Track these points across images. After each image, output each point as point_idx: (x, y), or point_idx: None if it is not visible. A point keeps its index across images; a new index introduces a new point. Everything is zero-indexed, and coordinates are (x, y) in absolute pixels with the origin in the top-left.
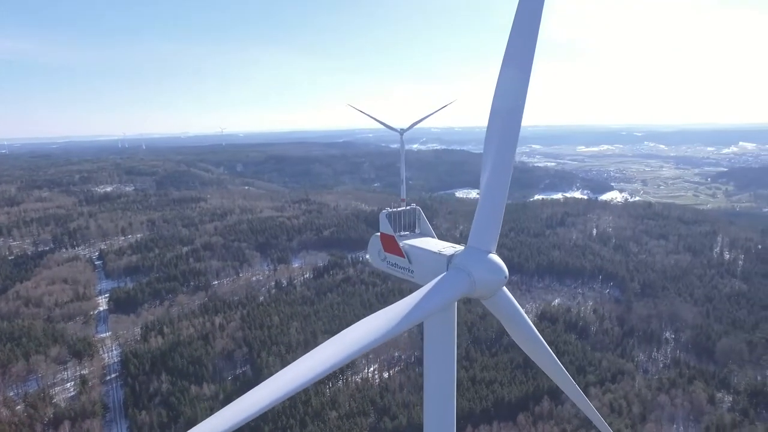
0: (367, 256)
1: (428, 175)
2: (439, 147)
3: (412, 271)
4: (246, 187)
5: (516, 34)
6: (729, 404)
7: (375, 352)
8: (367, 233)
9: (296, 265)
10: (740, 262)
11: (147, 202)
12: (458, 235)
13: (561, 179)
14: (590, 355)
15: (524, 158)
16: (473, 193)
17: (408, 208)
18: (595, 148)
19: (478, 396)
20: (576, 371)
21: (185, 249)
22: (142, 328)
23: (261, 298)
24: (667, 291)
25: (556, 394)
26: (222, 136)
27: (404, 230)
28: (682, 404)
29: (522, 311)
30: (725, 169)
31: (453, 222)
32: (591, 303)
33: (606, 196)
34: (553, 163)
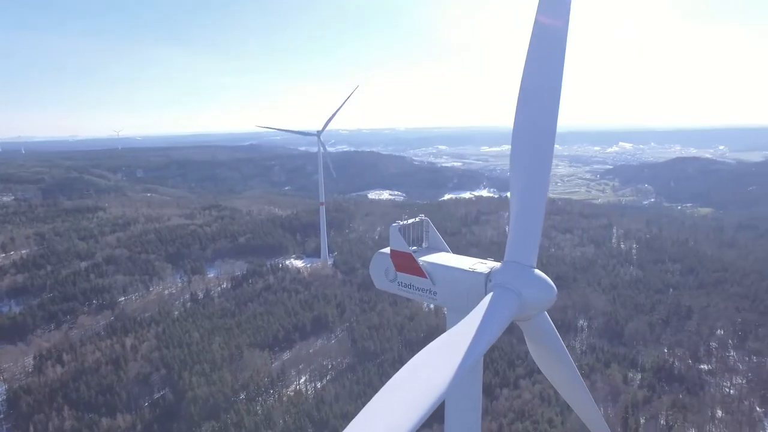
0: (374, 279)
1: (339, 177)
2: (348, 149)
3: (435, 293)
4: (148, 194)
5: (540, 32)
6: (639, 382)
7: (305, 362)
8: (284, 238)
9: (212, 275)
10: (634, 251)
11: (33, 213)
12: (377, 237)
13: (468, 178)
14: (517, 348)
15: (431, 159)
16: (385, 194)
17: (416, 220)
18: (498, 148)
19: None
20: (507, 365)
21: (84, 264)
22: (34, 358)
23: (176, 314)
24: (578, 282)
25: (489, 390)
26: (118, 140)
27: (412, 245)
28: (602, 387)
29: (558, 335)
30: (611, 167)
31: (371, 224)
32: None
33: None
34: (459, 163)
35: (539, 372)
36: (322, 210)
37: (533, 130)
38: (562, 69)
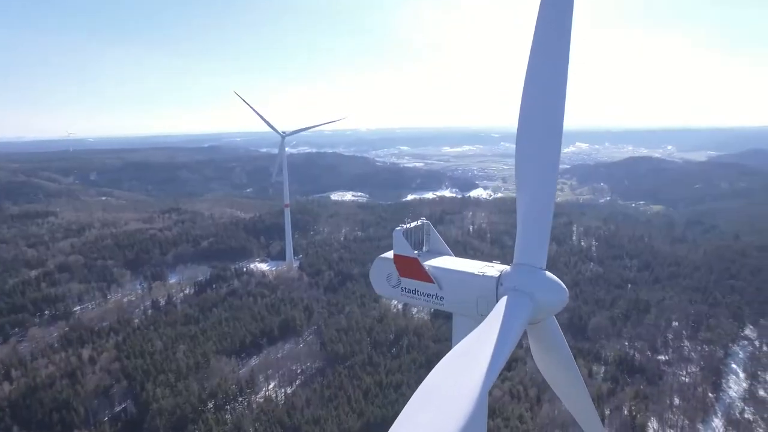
0: (374, 285)
1: (302, 179)
2: (310, 150)
3: (442, 298)
4: (104, 198)
5: (543, 31)
6: (603, 375)
7: (274, 368)
8: (248, 242)
9: (174, 280)
10: (594, 248)
11: None
12: (342, 239)
13: (431, 179)
14: None
15: (394, 159)
16: (348, 195)
17: (418, 223)
18: (459, 149)
19: (388, 401)
20: None
21: (34, 273)
22: None
23: (137, 322)
24: None
25: None
26: (69, 141)
27: (413, 249)
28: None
29: (565, 339)
30: (568, 166)
31: (336, 225)
32: None
33: (473, 193)
34: (421, 164)
35: (507, 369)
36: (287, 212)
37: (538, 131)
38: (567, 68)
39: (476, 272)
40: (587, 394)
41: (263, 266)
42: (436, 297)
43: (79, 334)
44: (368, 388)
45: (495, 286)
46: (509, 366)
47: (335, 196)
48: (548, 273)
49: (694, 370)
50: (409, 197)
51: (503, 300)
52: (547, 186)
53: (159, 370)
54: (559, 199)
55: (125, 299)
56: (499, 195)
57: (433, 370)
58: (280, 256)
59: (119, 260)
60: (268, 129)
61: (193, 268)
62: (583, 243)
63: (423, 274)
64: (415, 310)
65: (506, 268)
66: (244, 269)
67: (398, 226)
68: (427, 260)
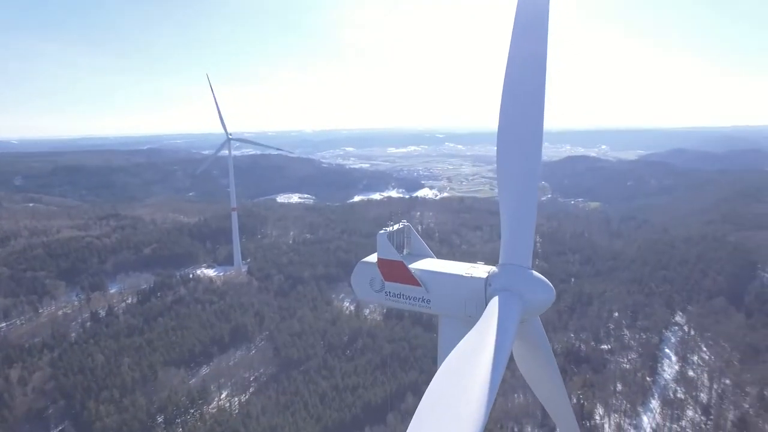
0: (356, 291)
1: (247, 181)
2: (255, 152)
3: (428, 300)
4: (31, 204)
5: (521, 33)
6: None
7: (226, 376)
8: (194, 247)
9: (115, 290)
10: (539, 244)
11: None
12: (291, 242)
13: (377, 179)
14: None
15: (340, 160)
16: (295, 197)
17: (400, 226)
18: (404, 149)
19: (345, 404)
20: (431, 362)
21: None
22: None
23: (74, 336)
24: None
25: (416, 388)
26: None
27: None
28: (519, 375)
29: (547, 339)
30: None
31: (284, 228)
32: None
33: (419, 193)
34: (367, 165)
35: None
36: (234, 216)
37: (519, 132)
38: (545, 69)
39: (464, 274)
40: (566, 394)
41: (210, 272)
42: (423, 300)
43: (5, 353)
44: (325, 393)
45: (483, 287)
46: None
47: (281, 199)
48: (535, 272)
49: (633, 356)
50: (356, 198)
51: (494, 300)
52: (530, 187)
53: (101, 386)
54: None
55: (60, 312)
56: (445, 195)
57: (437, 376)
58: (228, 261)
59: (52, 271)
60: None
61: (135, 276)
62: None
63: (409, 278)
64: (367, 311)
65: (492, 268)
66: (191, 276)
67: (381, 230)
68: (410, 263)
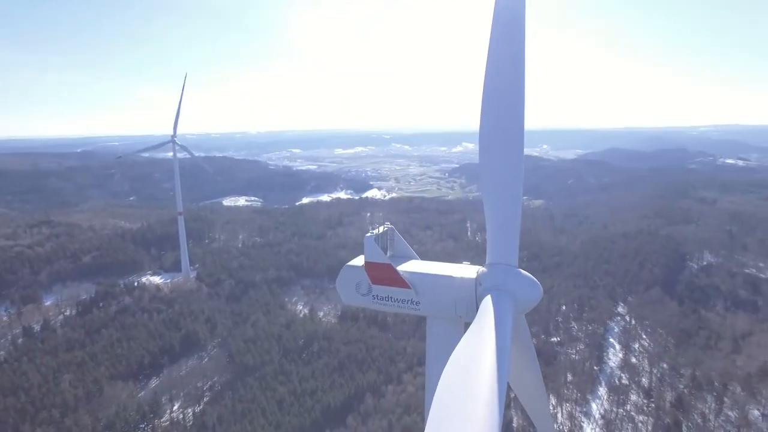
0: (342, 295)
1: (191, 184)
2: (198, 154)
3: (418, 302)
4: None
5: (498, 31)
6: None
7: (178, 387)
8: (137, 254)
9: (50, 302)
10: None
11: None
12: (241, 246)
13: (325, 181)
14: (396, 344)
15: (287, 162)
16: (241, 200)
17: (384, 228)
18: (351, 150)
19: (304, 409)
20: (389, 362)
21: None
22: None
23: (3, 354)
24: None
25: (375, 389)
26: None
27: None
28: None
29: (531, 337)
30: (457, 165)
31: (233, 232)
32: None
33: (368, 194)
34: (314, 166)
35: (419, 365)
36: (181, 220)
37: (501, 130)
38: (524, 66)
39: (454, 275)
40: (545, 394)
41: (156, 279)
42: (412, 302)
43: None
44: (282, 398)
45: (474, 287)
46: (420, 361)
47: (227, 202)
48: (522, 271)
49: (581, 347)
50: (305, 200)
51: (487, 300)
52: (514, 186)
53: (39, 407)
54: (450, 197)
55: None
56: (394, 195)
57: (441, 385)
58: (175, 268)
59: None
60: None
61: (74, 287)
62: (478, 238)
63: (398, 280)
64: (321, 313)
65: (480, 268)
66: (135, 284)
67: (368, 233)
68: (397, 265)
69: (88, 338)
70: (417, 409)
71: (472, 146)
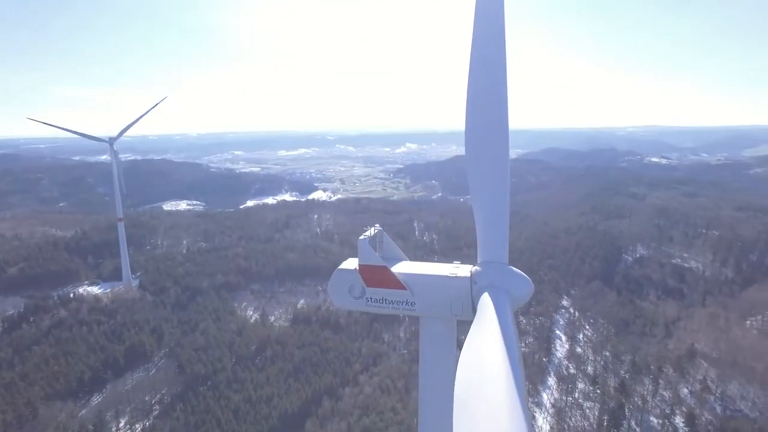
0: (334, 299)
1: (128, 189)
2: (135, 157)
3: (413, 303)
4: None
5: (480, 29)
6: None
7: (124, 402)
8: (72, 263)
9: None
10: (436, 241)
11: None
12: (185, 251)
13: (270, 183)
14: (350, 345)
15: (229, 165)
16: (183, 205)
17: (374, 231)
18: (295, 152)
19: (261, 416)
20: (344, 363)
21: None
22: None
23: None
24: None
25: (332, 391)
26: None
27: None
28: None
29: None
30: (401, 166)
31: (176, 237)
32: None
33: (313, 196)
34: (258, 169)
35: (374, 365)
36: (121, 227)
37: (486, 130)
38: (506, 67)
39: (448, 274)
40: (524, 392)
41: (95, 290)
42: (407, 303)
43: None
44: (238, 407)
45: (469, 285)
46: (375, 361)
47: (168, 206)
48: (514, 268)
49: (531, 340)
50: (250, 203)
51: (485, 297)
52: (502, 184)
53: None
54: (396, 197)
55: None
56: (339, 196)
57: (458, 385)
58: (115, 276)
59: None
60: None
61: None
62: (425, 237)
63: (394, 282)
64: (273, 317)
65: (473, 267)
66: (71, 295)
67: (361, 236)
68: (389, 267)
69: (17, 357)
70: (375, 409)
71: (415, 147)
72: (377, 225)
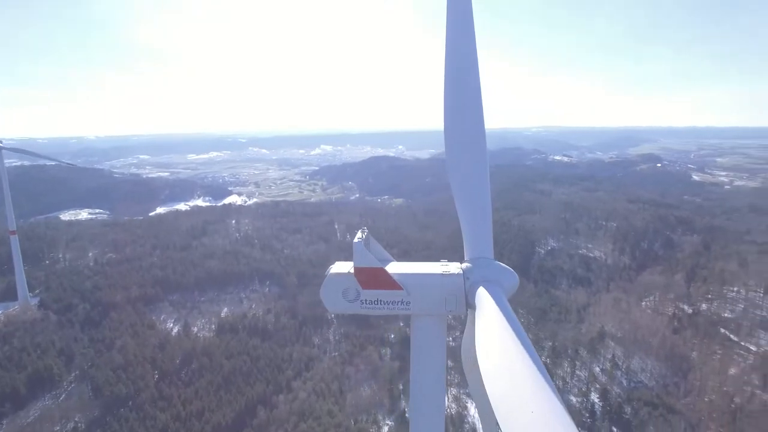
0: (327, 304)
1: (17, 198)
2: (22, 163)
3: (408, 303)
4: None
5: (453, 33)
6: (390, 355)
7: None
8: None
9: None
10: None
11: None
12: (93, 264)
13: (181, 188)
14: (280, 352)
15: (134, 170)
16: (84, 213)
17: (363, 233)
18: (206, 156)
19: None
20: (276, 370)
21: None
22: None
23: None
24: (318, 278)
25: (265, 400)
26: None
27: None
28: (365, 367)
29: None
30: (317, 168)
31: (81, 249)
32: (258, 305)
33: (228, 200)
34: (166, 173)
35: (306, 370)
36: (15, 240)
37: (464, 129)
38: (478, 66)
39: (442, 272)
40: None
41: None
42: (402, 302)
43: None
44: (166, 425)
45: (462, 282)
46: (307, 366)
47: (67, 216)
48: (500, 263)
49: (457, 334)
50: (160, 210)
51: (482, 291)
52: (483, 183)
53: None
54: (313, 200)
55: None
56: (255, 200)
57: (488, 381)
58: (9, 296)
59: None
60: None
61: None
62: (347, 239)
63: (391, 283)
64: (195, 328)
65: (462, 264)
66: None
67: (356, 239)
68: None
69: None
70: (312, 413)
71: (330, 148)
72: (365, 228)
